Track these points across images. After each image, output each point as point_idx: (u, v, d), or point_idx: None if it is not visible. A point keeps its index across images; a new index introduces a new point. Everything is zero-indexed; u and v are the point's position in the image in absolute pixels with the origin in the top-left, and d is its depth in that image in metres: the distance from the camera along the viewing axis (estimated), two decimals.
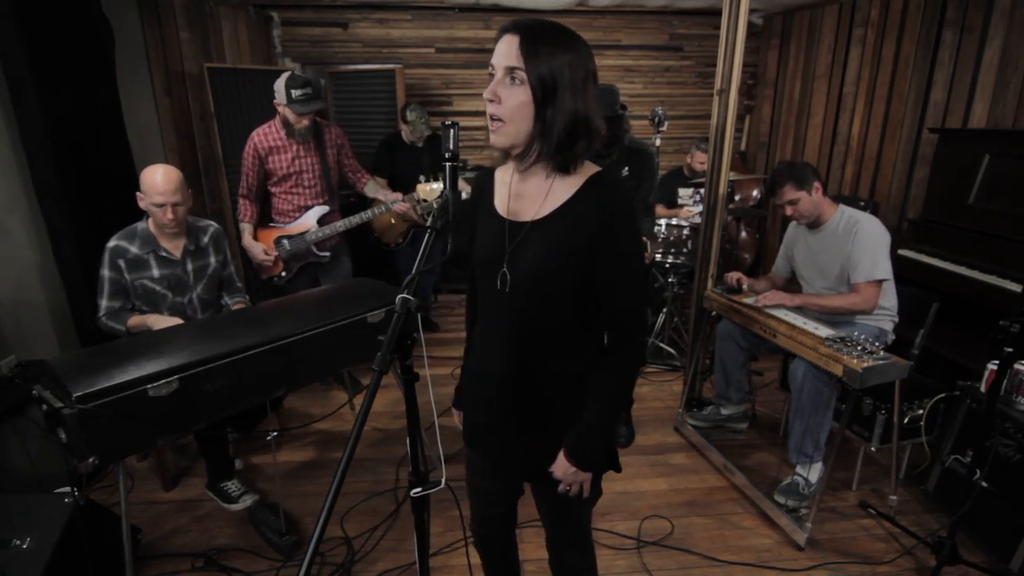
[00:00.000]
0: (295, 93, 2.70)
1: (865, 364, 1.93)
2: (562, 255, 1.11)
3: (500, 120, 1.05)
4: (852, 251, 2.30)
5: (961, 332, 2.77)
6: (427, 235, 1.04)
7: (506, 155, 1.13)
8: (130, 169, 3.07)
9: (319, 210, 2.98)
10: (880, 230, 2.31)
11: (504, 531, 1.51)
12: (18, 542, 1.59)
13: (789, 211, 2.41)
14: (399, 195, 3.10)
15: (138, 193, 2.16)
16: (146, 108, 3.53)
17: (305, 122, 2.81)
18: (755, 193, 4.63)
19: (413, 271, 1.00)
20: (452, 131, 1.06)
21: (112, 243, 2.18)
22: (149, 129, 3.55)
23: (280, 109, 2.79)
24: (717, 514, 2.35)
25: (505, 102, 1.03)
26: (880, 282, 2.28)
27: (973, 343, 2.67)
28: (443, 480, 1.11)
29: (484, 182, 1.26)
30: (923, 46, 3.47)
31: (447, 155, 1.06)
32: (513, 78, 1.02)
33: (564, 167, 1.11)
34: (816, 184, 2.35)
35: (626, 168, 2.57)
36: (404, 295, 0.96)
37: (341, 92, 4.18)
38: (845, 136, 4.08)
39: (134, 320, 2.20)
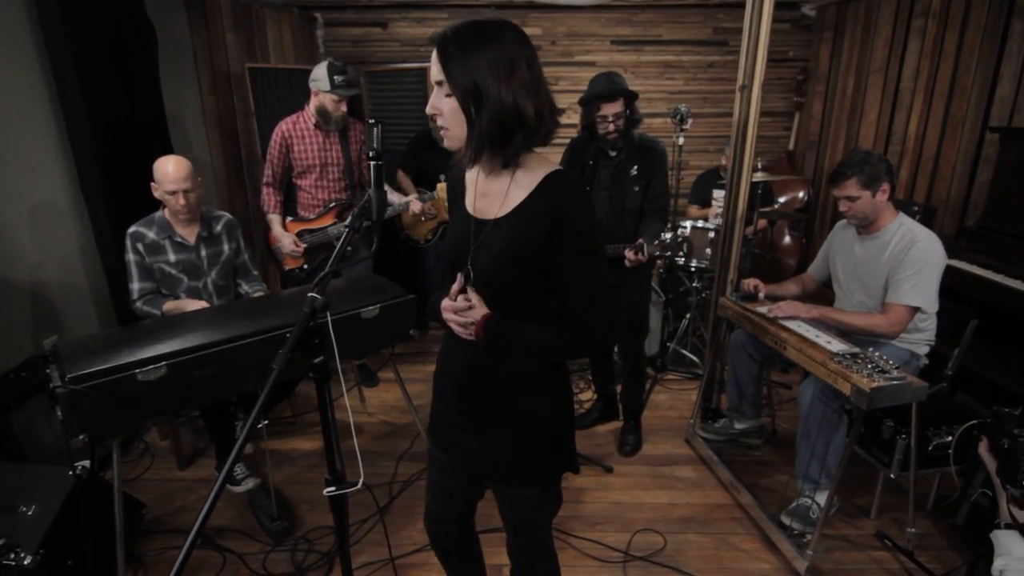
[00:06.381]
0: (338, 79, 2.81)
1: (875, 384, 1.78)
2: (516, 252, 1.12)
3: (445, 128, 1.09)
4: (898, 268, 2.10)
5: (1011, 352, 2.51)
6: (344, 235, 1.04)
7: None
8: None
9: (341, 204, 3.07)
10: (938, 254, 2.09)
11: (457, 531, 1.50)
12: (24, 509, 1.72)
13: (844, 207, 2.20)
14: (412, 196, 3.12)
15: (152, 183, 2.29)
16: (193, 106, 3.73)
17: (343, 108, 2.89)
18: (801, 195, 4.37)
19: (326, 269, 1.00)
20: (375, 131, 1.05)
21: (131, 229, 2.33)
22: (195, 126, 3.76)
23: (318, 97, 2.87)
24: (715, 533, 2.23)
25: (444, 112, 1.08)
26: (915, 309, 2.09)
27: (1022, 365, 2.41)
28: (360, 481, 1.11)
29: (455, 183, 1.30)
30: (989, 37, 3.14)
31: (371, 154, 1.05)
32: (443, 90, 1.06)
33: (507, 164, 1.13)
34: (885, 186, 2.13)
35: (635, 167, 2.46)
36: (313, 294, 0.97)
37: (376, 90, 4.27)
38: (901, 135, 3.77)
39: (169, 304, 2.34)
